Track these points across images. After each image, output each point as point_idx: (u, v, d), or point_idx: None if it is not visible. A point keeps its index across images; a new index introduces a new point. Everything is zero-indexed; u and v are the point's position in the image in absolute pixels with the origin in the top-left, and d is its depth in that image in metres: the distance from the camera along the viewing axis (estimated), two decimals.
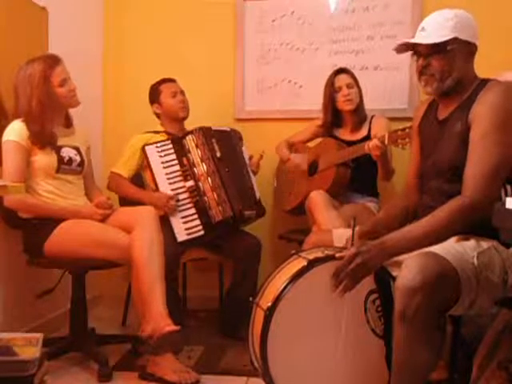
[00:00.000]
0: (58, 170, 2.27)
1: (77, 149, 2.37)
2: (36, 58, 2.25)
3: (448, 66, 1.62)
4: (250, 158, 2.81)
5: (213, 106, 3.10)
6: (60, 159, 2.27)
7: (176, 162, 2.59)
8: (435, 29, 1.63)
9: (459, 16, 1.63)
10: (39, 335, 1.88)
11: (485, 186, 1.50)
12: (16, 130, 2.19)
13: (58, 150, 2.28)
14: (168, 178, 2.56)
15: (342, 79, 2.70)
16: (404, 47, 1.71)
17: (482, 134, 1.53)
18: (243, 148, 2.80)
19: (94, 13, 3.25)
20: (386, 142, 2.33)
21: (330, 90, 2.71)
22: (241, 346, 2.04)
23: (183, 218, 2.53)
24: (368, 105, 2.77)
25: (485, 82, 1.63)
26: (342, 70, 2.74)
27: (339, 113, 2.76)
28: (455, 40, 1.60)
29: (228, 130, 2.78)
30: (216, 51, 3.20)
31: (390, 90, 3.02)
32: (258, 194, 2.76)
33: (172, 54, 3.22)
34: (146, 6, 3.27)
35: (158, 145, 2.59)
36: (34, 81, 2.19)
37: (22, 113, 2.20)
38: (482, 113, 1.54)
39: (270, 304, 1.59)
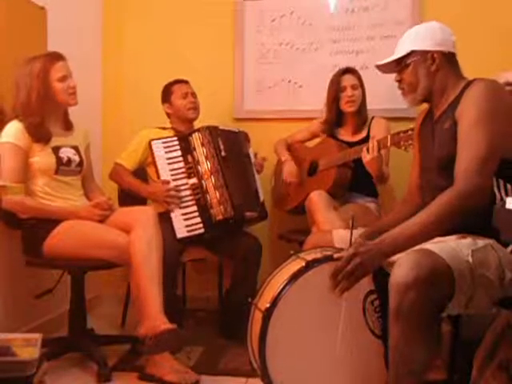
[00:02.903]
0: (56, 172, 2.27)
1: (76, 148, 2.36)
2: (39, 54, 2.27)
3: (413, 78, 1.74)
4: (255, 155, 2.80)
5: (212, 106, 3.09)
6: (59, 160, 2.26)
7: (181, 158, 2.59)
8: (399, 46, 1.76)
9: (420, 28, 1.75)
10: (38, 335, 1.87)
11: (474, 175, 1.51)
12: (13, 131, 2.18)
13: (56, 150, 2.27)
14: (172, 174, 2.57)
15: (348, 79, 2.69)
16: (385, 68, 1.84)
17: (468, 127, 1.57)
18: (250, 150, 2.80)
19: (93, 12, 3.25)
20: (389, 143, 2.33)
21: (335, 89, 2.70)
22: (240, 347, 2.03)
23: (184, 214, 2.53)
24: (368, 105, 2.75)
25: (471, 81, 1.66)
26: (348, 70, 2.72)
27: (341, 113, 2.75)
28: (413, 53, 1.72)
29: (236, 130, 2.78)
30: (215, 51, 3.19)
31: (391, 89, 2.97)
32: (261, 197, 2.75)
33: (171, 54, 3.22)
34: (145, 5, 3.27)
35: (165, 140, 2.60)
36: (34, 72, 2.20)
37: (21, 105, 2.20)
38: (467, 107, 1.59)
39: (268, 305, 1.59)
